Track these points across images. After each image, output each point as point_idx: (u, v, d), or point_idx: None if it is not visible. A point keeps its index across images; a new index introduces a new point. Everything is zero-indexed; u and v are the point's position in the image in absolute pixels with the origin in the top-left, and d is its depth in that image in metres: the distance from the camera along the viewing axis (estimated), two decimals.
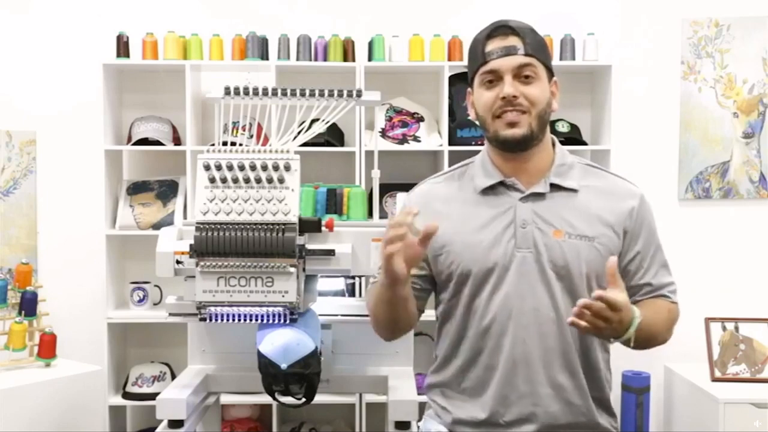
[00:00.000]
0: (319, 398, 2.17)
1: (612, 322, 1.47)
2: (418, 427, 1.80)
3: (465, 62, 3.42)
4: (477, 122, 1.71)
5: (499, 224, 1.65)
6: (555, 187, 1.67)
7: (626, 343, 1.54)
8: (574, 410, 1.64)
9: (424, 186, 1.80)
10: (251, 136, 3.33)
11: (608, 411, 1.72)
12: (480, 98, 1.65)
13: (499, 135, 1.63)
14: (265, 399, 2.39)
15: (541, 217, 1.64)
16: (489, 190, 1.69)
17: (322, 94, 2.18)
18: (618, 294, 1.48)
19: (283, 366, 1.99)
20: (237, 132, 3.19)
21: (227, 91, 2.17)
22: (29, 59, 3.58)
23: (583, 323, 1.46)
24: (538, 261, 1.62)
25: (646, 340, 1.60)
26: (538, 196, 1.66)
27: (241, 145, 2.10)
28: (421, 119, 3.50)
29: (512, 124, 1.61)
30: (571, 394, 1.64)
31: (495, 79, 1.63)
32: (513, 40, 1.62)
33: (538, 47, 1.65)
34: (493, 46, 1.63)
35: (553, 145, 1.73)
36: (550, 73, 1.68)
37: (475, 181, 1.71)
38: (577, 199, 1.66)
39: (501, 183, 1.68)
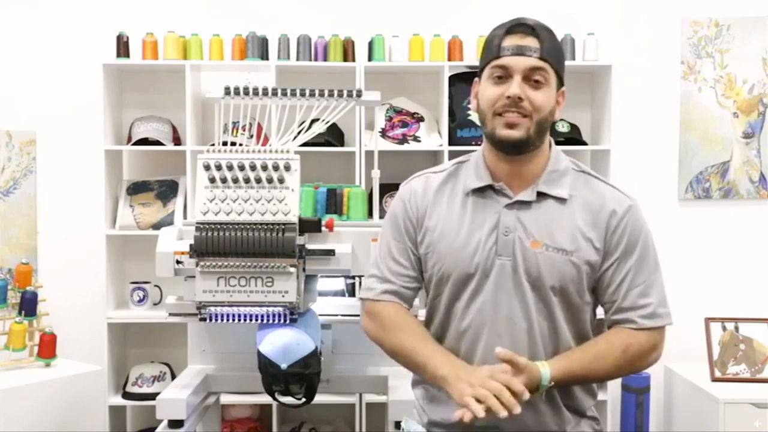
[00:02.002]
0: (319, 398, 2.17)
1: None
2: (402, 427, 1.80)
3: (465, 62, 3.45)
4: (477, 114, 1.69)
5: (484, 229, 1.63)
6: (543, 195, 1.64)
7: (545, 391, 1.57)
8: (545, 419, 1.63)
9: (420, 178, 1.78)
10: (251, 136, 3.33)
11: (587, 416, 1.70)
12: (485, 92, 1.63)
13: (496, 134, 1.61)
14: (265, 399, 2.39)
15: (524, 226, 1.62)
16: (477, 192, 1.67)
17: (322, 94, 2.18)
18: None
19: (283, 366, 1.99)
20: (237, 132, 3.19)
21: (227, 91, 2.17)
22: (29, 59, 3.58)
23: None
24: (515, 270, 1.61)
25: (583, 381, 1.65)
26: (524, 204, 1.64)
27: (241, 145, 2.10)
28: (421, 119, 3.50)
29: (511, 126, 1.59)
30: (540, 403, 1.62)
31: (504, 75, 1.60)
32: (530, 41, 1.60)
33: (554, 52, 1.62)
34: (509, 42, 1.60)
35: (549, 147, 1.71)
36: (560, 81, 1.65)
37: (465, 182, 1.70)
38: (564, 209, 1.64)
39: (490, 187, 1.66)
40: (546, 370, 1.55)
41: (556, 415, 1.64)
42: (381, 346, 1.75)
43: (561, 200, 1.64)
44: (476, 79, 1.70)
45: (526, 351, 1.61)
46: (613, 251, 1.63)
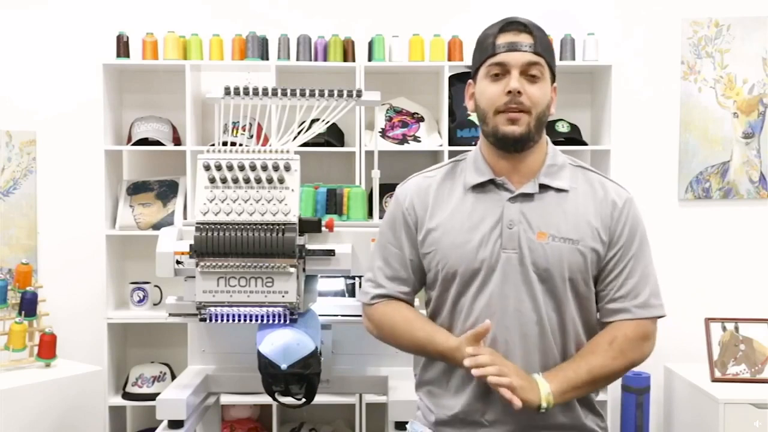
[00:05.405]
0: (319, 398, 2.17)
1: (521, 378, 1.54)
2: (408, 430, 1.80)
3: (465, 62, 3.44)
4: (475, 114, 1.70)
5: (487, 224, 1.64)
6: (544, 188, 1.66)
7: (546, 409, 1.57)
8: (556, 410, 1.62)
9: (417, 179, 1.79)
10: (251, 136, 3.33)
11: (594, 411, 1.71)
12: (484, 91, 1.64)
13: (499, 131, 1.62)
14: (265, 399, 2.39)
15: (528, 219, 1.63)
16: (479, 188, 1.68)
17: (322, 94, 2.18)
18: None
19: (283, 366, 1.99)
20: (237, 132, 3.19)
21: (227, 91, 2.17)
22: (29, 59, 3.58)
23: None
24: (522, 263, 1.62)
25: (587, 386, 1.63)
26: (527, 196, 1.65)
27: (241, 145, 2.10)
28: (421, 119, 3.50)
29: (513, 121, 1.61)
30: None
31: (502, 72, 1.62)
32: (524, 37, 1.63)
33: (546, 48, 1.66)
34: (504, 39, 1.63)
35: (546, 145, 1.73)
36: (553, 76, 1.68)
37: (465, 178, 1.70)
38: (566, 201, 1.66)
39: (491, 181, 1.67)
40: (543, 380, 1.57)
41: (565, 407, 1.64)
42: (389, 344, 1.79)
43: (562, 192, 1.66)
44: (470, 81, 1.71)
45: (537, 343, 1.62)
46: (616, 242, 1.65)
